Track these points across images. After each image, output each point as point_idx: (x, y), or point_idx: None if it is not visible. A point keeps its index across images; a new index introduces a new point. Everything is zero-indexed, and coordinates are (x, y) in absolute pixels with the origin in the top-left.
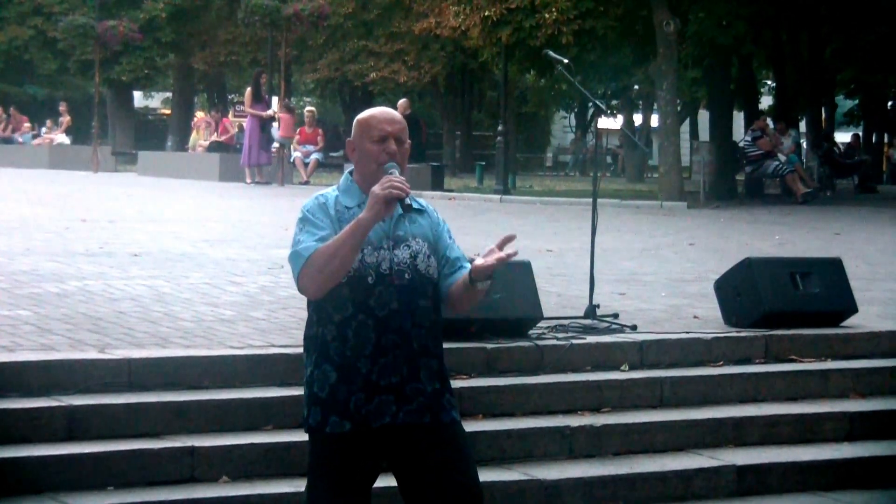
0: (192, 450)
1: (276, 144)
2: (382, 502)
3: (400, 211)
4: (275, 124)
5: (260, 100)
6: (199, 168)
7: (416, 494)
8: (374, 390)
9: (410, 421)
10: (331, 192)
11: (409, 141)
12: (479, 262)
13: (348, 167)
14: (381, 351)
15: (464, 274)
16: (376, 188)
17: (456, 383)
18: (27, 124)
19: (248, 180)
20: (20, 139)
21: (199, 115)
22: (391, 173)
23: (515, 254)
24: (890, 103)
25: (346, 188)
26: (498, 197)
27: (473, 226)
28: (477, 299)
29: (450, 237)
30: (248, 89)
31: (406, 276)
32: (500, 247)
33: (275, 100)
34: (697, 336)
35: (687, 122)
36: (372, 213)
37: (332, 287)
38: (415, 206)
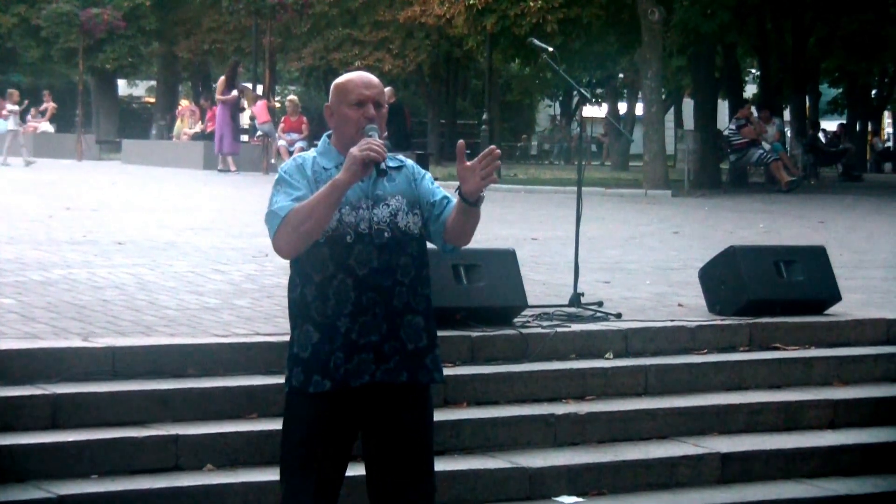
0: (177, 438)
1: (259, 133)
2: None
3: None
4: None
5: (233, 89)
6: (184, 156)
7: (373, 453)
8: (354, 349)
9: (387, 380)
10: (309, 154)
11: (386, 105)
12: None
13: None
14: (360, 310)
15: (455, 202)
16: (354, 150)
17: None
18: (4, 111)
19: (232, 167)
20: None
21: (184, 103)
22: (370, 136)
23: (496, 154)
24: (874, 91)
25: (323, 150)
26: None
27: None
28: (474, 222)
29: (432, 183)
30: (222, 77)
31: (385, 234)
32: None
33: (259, 88)
34: (682, 324)
35: (671, 110)
36: (348, 174)
37: (308, 247)
38: (392, 164)
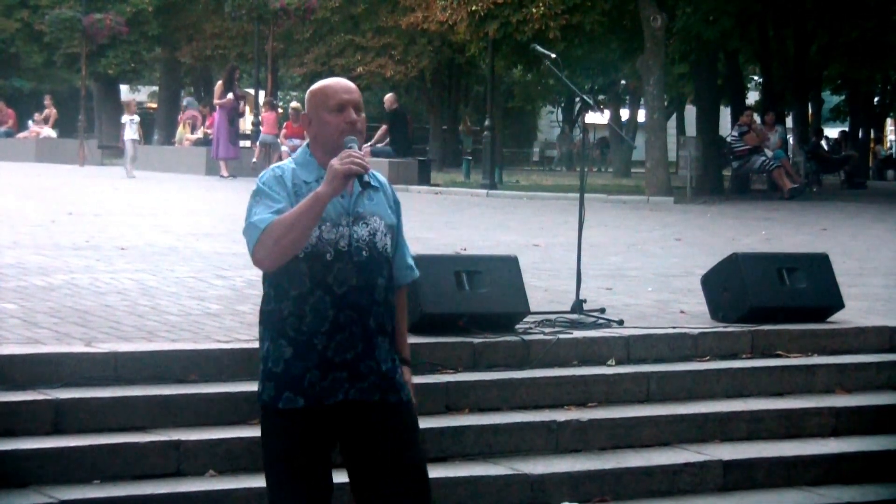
0: (179, 443)
1: (259, 140)
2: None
3: (359, 188)
4: (246, 118)
5: (229, 93)
6: (186, 162)
7: (363, 474)
8: (329, 367)
9: (362, 398)
10: (287, 163)
11: (363, 111)
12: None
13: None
14: (338, 327)
15: (402, 346)
16: (335, 162)
17: (442, 378)
18: (11, 121)
19: (224, 174)
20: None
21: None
22: (350, 147)
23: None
24: (876, 99)
25: (303, 161)
26: (485, 192)
27: (460, 220)
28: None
29: (400, 220)
30: (219, 82)
31: (364, 253)
32: None
33: (261, 94)
34: (684, 331)
35: (674, 117)
36: (330, 187)
37: (288, 261)
38: (372, 182)
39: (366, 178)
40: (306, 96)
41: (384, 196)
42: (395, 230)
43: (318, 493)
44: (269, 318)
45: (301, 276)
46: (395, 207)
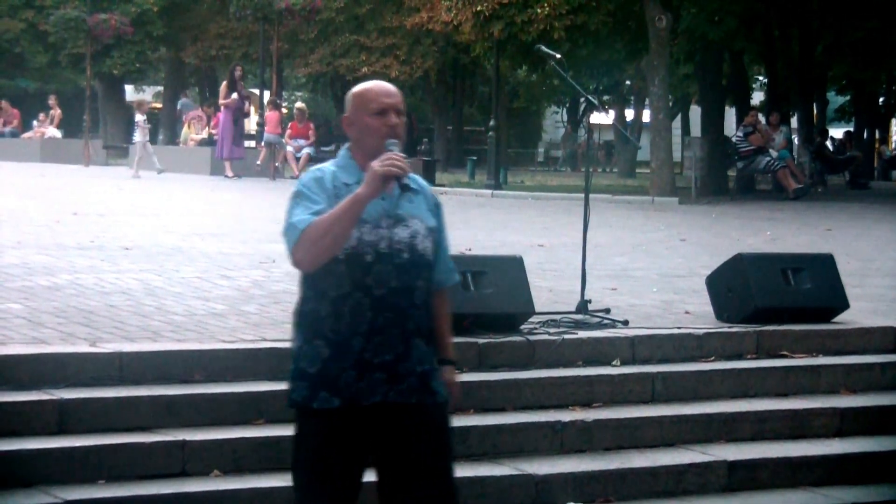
0: (184, 443)
1: (264, 141)
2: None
3: (398, 190)
4: (252, 118)
5: (234, 93)
6: (191, 162)
7: (393, 475)
8: (367, 368)
9: (400, 400)
10: (328, 166)
11: (405, 113)
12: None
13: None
14: (376, 329)
15: (444, 347)
16: (375, 164)
17: None
18: (16, 121)
19: (229, 174)
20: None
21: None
22: (391, 150)
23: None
24: (881, 99)
25: (344, 164)
26: (489, 192)
27: (465, 221)
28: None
29: (441, 222)
30: (224, 83)
31: (404, 255)
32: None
33: (266, 94)
34: (689, 331)
35: (678, 117)
36: (370, 189)
37: (327, 261)
38: (412, 185)
39: (405, 180)
40: (347, 98)
41: (424, 199)
42: (436, 232)
43: (345, 494)
44: (306, 318)
45: (340, 277)
46: (436, 210)
